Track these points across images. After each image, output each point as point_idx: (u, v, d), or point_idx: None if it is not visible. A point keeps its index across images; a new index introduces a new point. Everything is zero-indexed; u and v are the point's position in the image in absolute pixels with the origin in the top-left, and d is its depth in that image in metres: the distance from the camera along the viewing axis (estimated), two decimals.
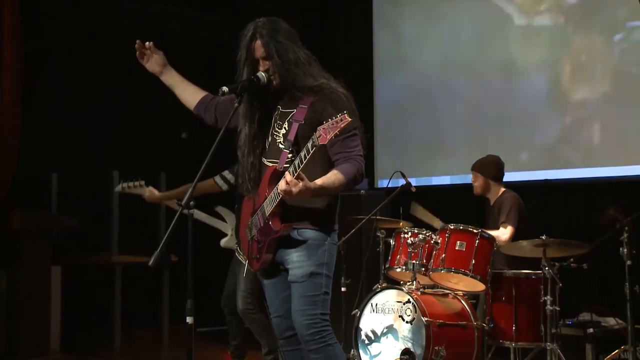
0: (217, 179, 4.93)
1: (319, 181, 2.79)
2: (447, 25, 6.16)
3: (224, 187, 5.01)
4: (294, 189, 2.70)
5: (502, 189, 4.84)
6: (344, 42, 7.03)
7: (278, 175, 2.86)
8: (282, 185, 2.74)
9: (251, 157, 3.00)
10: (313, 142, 2.67)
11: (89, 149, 6.56)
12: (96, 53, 6.70)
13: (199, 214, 4.89)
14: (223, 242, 5.00)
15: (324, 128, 2.64)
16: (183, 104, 3.27)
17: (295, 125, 2.89)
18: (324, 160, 2.90)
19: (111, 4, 6.83)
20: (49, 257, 5.74)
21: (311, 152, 2.69)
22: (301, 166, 2.73)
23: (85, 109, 6.58)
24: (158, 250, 2.61)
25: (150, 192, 4.91)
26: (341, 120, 2.63)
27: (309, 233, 2.92)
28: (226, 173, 5.02)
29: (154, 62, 3.22)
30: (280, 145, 2.94)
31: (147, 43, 3.20)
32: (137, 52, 3.20)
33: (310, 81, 2.90)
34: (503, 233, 4.55)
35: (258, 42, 2.91)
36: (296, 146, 2.87)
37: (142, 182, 4.93)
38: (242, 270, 4.69)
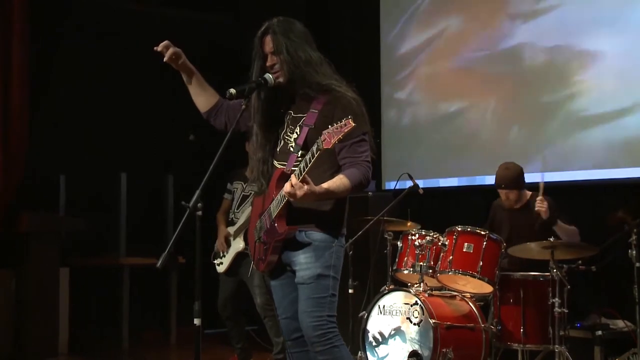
0: (225, 195, 5.04)
1: (324, 185, 2.81)
2: (456, 23, 6.14)
3: (229, 197, 5.05)
4: (299, 192, 2.72)
5: (529, 193, 4.79)
6: (349, 45, 7.02)
7: (285, 177, 2.87)
8: (286, 187, 2.75)
9: (260, 152, 3.03)
10: (317, 146, 2.68)
11: (97, 151, 6.58)
12: (104, 56, 6.73)
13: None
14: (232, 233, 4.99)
15: (328, 132, 2.65)
16: (195, 105, 3.22)
17: (305, 130, 2.91)
18: (332, 164, 2.92)
19: (118, 7, 6.85)
20: (57, 259, 5.76)
21: (316, 155, 2.70)
22: (306, 169, 2.74)
23: (93, 111, 6.61)
24: (166, 251, 2.62)
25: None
26: (345, 125, 2.63)
27: (316, 235, 2.92)
28: (228, 185, 5.07)
29: (174, 58, 3.06)
30: (291, 149, 2.96)
31: (160, 46, 3.04)
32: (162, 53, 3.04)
33: (320, 79, 2.92)
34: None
35: (268, 37, 2.94)
36: (305, 150, 2.88)
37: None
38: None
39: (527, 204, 4.73)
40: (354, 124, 2.63)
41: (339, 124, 2.64)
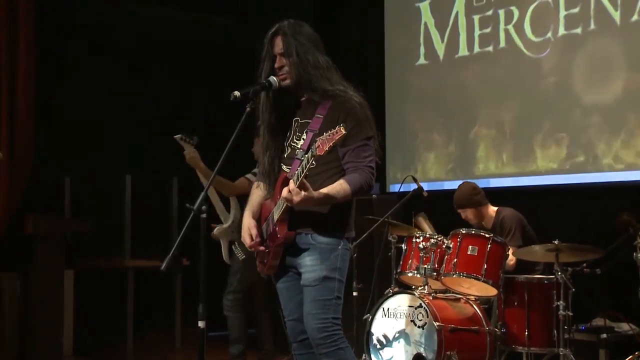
0: (249, 176, 4.85)
1: (324, 190, 2.83)
2: (462, 27, 6.14)
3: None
4: (295, 198, 2.74)
5: (494, 209, 4.80)
6: (355, 48, 7.03)
7: (287, 182, 2.88)
8: (284, 193, 2.78)
9: (267, 154, 3.05)
10: (312, 152, 2.69)
11: (102, 153, 6.60)
12: (110, 58, 6.75)
13: (213, 194, 4.70)
14: (215, 230, 4.85)
15: (321, 139, 2.67)
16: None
17: (310, 135, 2.93)
18: (340, 168, 2.94)
19: (124, 11, 6.87)
20: (62, 261, 5.76)
21: (310, 161, 2.71)
22: (302, 175, 2.75)
23: (98, 113, 6.63)
24: (170, 254, 2.63)
25: (193, 154, 4.61)
26: (336, 132, 2.65)
27: (322, 238, 2.94)
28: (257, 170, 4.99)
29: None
30: (297, 155, 2.96)
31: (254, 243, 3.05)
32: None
33: (326, 85, 2.93)
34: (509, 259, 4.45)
35: (279, 38, 2.95)
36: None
37: (196, 141, 4.60)
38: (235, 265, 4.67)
39: (493, 223, 4.74)
40: (344, 132, 2.65)
41: (331, 131, 2.66)
